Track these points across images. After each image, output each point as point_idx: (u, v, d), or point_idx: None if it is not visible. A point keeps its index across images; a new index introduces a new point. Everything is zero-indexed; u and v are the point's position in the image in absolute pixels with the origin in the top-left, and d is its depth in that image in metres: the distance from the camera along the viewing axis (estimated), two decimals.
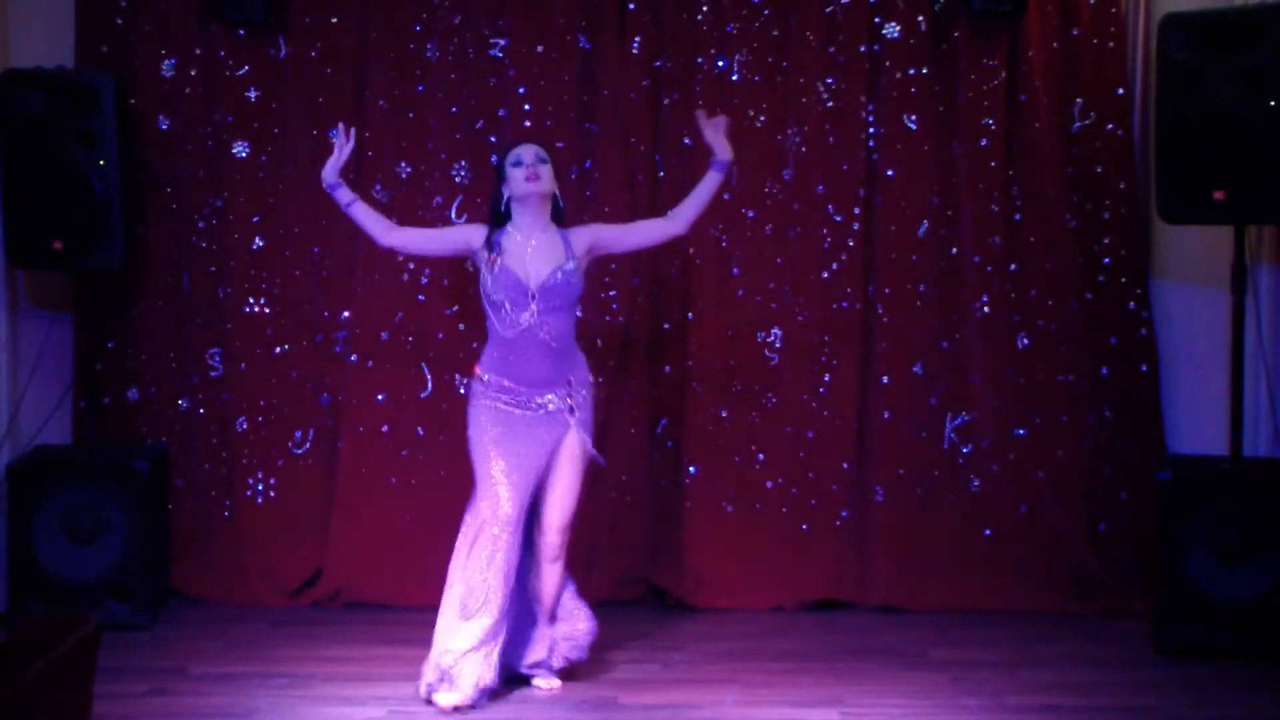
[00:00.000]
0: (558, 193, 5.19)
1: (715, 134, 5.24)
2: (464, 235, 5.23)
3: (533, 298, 5.05)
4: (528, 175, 5.07)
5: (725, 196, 6.27)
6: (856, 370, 6.27)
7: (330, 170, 5.22)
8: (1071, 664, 5.53)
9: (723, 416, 6.29)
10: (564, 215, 5.24)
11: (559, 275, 5.08)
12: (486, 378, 5.12)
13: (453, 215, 6.27)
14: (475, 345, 6.25)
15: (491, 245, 5.09)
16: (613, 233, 5.32)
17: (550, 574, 5.21)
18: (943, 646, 5.73)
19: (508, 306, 5.05)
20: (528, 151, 5.14)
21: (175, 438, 6.38)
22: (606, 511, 6.31)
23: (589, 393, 5.18)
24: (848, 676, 5.39)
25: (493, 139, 6.28)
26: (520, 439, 5.07)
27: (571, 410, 5.11)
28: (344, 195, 5.25)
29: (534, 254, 5.09)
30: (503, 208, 5.16)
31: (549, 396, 5.09)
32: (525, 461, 5.06)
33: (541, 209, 5.13)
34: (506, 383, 5.08)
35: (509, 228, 5.14)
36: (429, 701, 5.05)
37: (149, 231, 6.34)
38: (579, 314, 5.31)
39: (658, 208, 6.26)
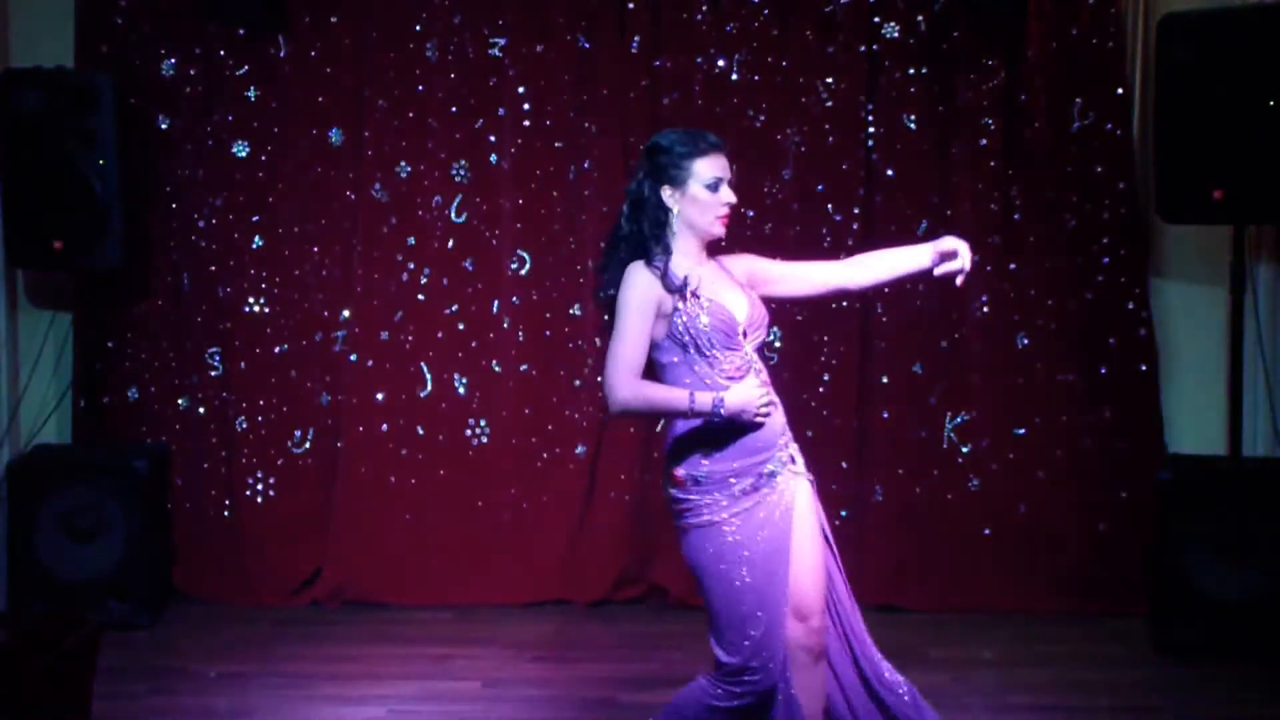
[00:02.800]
0: None
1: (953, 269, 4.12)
2: (652, 298, 3.87)
3: (744, 334, 3.95)
4: (725, 216, 3.97)
5: None
6: (856, 370, 6.27)
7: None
8: (1071, 664, 5.54)
9: None
10: None
11: (757, 300, 4.02)
12: (699, 475, 3.87)
13: (452, 215, 6.27)
14: (474, 345, 6.29)
15: (675, 285, 3.88)
16: (774, 270, 4.16)
17: (811, 680, 4.03)
18: (942, 646, 5.73)
19: (716, 350, 3.89)
20: (728, 170, 3.98)
21: (175, 437, 6.38)
22: (606, 511, 6.32)
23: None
24: None
25: (492, 139, 6.28)
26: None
27: (792, 459, 4.03)
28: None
29: (715, 281, 3.98)
30: (663, 236, 3.94)
31: (778, 456, 3.98)
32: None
33: (703, 246, 4.03)
34: (735, 464, 3.89)
35: (671, 255, 3.94)
36: None
37: (149, 231, 6.34)
38: None
39: None
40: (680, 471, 3.89)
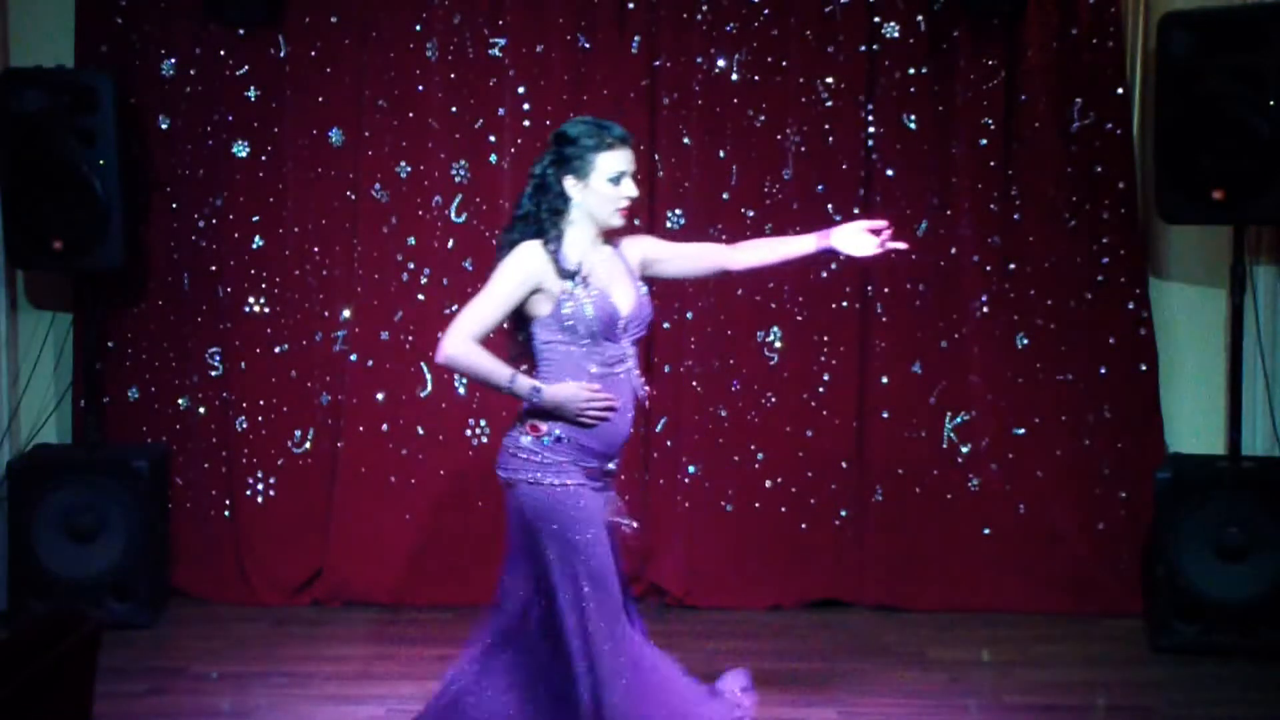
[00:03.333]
0: None
1: (875, 233, 4.27)
2: (534, 277, 3.96)
3: (624, 329, 4.06)
4: (624, 210, 4.03)
5: (724, 196, 6.28)
6: (856, 370, 6.27)
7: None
8: (1070, 663, 5.54)
9: (722, 416, 6.30)
10: None
11: (644, 296, 4.12)
12: (558, 434, 3.95)
13: (452, 215, 6.27)
14: None
15: (566, 270, 3.97)
16: (664, 251, 4.28)
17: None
18: (941, 646, 5.74)
19: (592, 341, 3.99)
20: (632, 164, 4.03)
21: (175, 437, 6.39)
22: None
23: None
24: (846, 676, 5.40)
25: (492, 139, 6.28)
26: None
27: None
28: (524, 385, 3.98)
29: (606, 272, 4.07)
30: (559, 222, 4.01)
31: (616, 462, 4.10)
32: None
33: (598, 233, 4.10)
34: (591, 449, 3.98)
35: (564, 240, 4.02)
36: None
37: (149, 231, 6.34)
38: None
39: (656, 208, 6.29)
40: (543, 425, 3.96)
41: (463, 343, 3.93)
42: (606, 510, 4.04)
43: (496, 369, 3.93)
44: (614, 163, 4.00)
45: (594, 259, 4.03)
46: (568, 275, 3.96)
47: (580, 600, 3.91)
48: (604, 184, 4.00)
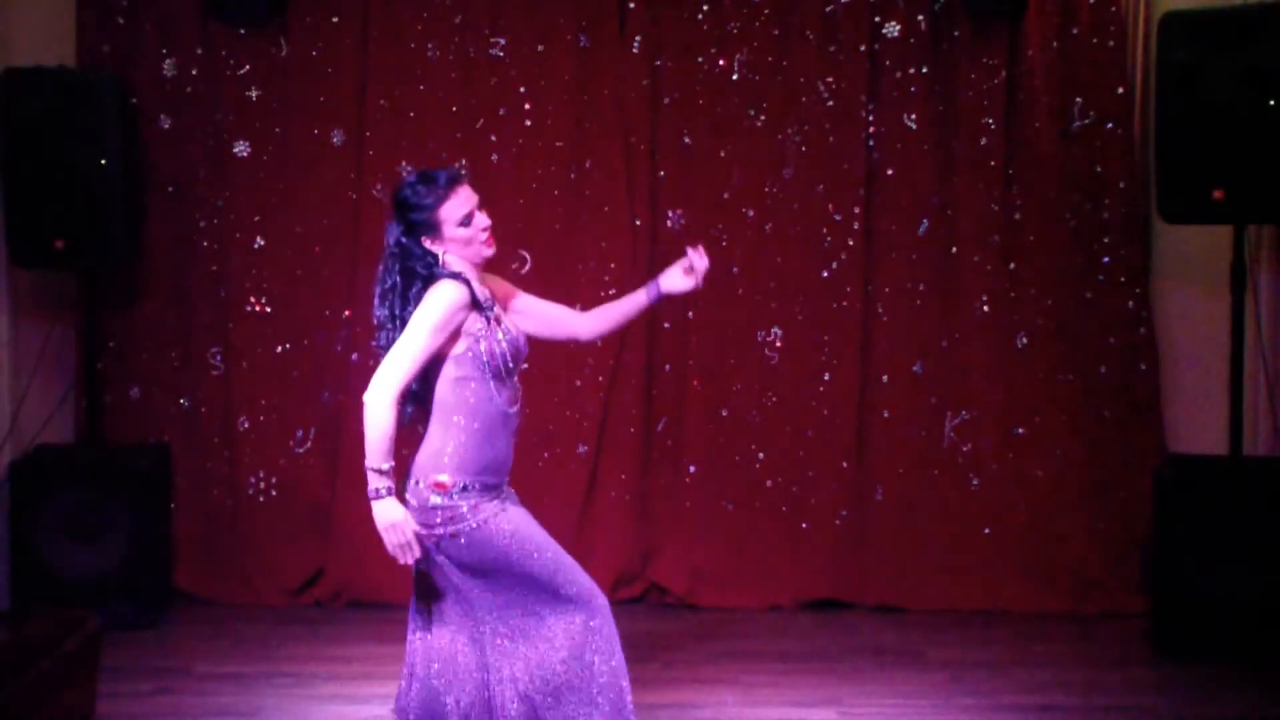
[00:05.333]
0: None
1: (690, 271, 4.30)
2: (459, 316, 3.92)
3: (519, 361, 4.07)
4: (490, 240, 4.02)
5: (725, 196, 6.29)
6: (856, 369, 6.28)
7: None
8: (1069, 663, 5.54)
9: (723, 416, 6.31)
10: None
11: (518, 328, 4.12)
12: (463, 484, 3.95)
13: None
14: None
15: (481, 303, 3.97)
16: (527, 305, 4.24)
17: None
18: (941, 646, 5.74)
19: (505, 372, 3.99)
20: (472, 198, 4.00)
21: (177, 436, 6.39)
22: (606, 510, 6.33)
23: None
24: (846, 676, 5.40)
25: (493, 138, 6.29)
26: None
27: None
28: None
29: (500, 307, 4.13)
30: (437, 271, 3.94)
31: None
32: None
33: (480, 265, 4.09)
34: (491, 479, 4.01)
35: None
36: None
37: (150, 230, 6.35)
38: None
39: (657, 207, 6.29)
40: (446, 480, 3.94)
41: (387, 405, 3.85)
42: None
43: (387, 447, 3.85)
44: (456, 208, 3.96)
45: (489, 294, 4.03)
46: (481, 310, 3.95)
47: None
48: (456, 230, 3.96)
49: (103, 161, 5.92)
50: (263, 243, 6.36)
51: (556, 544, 4.08)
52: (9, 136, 5.91)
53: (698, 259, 4.27)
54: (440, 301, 3.89)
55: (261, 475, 6.38)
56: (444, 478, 3.93)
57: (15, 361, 6.14)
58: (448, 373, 3.94)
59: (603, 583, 6.19)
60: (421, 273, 3.94)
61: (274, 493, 6.38)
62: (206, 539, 6.40)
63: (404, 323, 3.91)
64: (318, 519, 6.36)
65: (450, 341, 3.92)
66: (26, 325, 6.24)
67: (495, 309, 4.01)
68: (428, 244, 3.96)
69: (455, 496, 3.93)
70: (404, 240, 3.97)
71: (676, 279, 4.32)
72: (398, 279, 3.95)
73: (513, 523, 3.99)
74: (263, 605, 6.26)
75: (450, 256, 3.96)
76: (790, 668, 5.49)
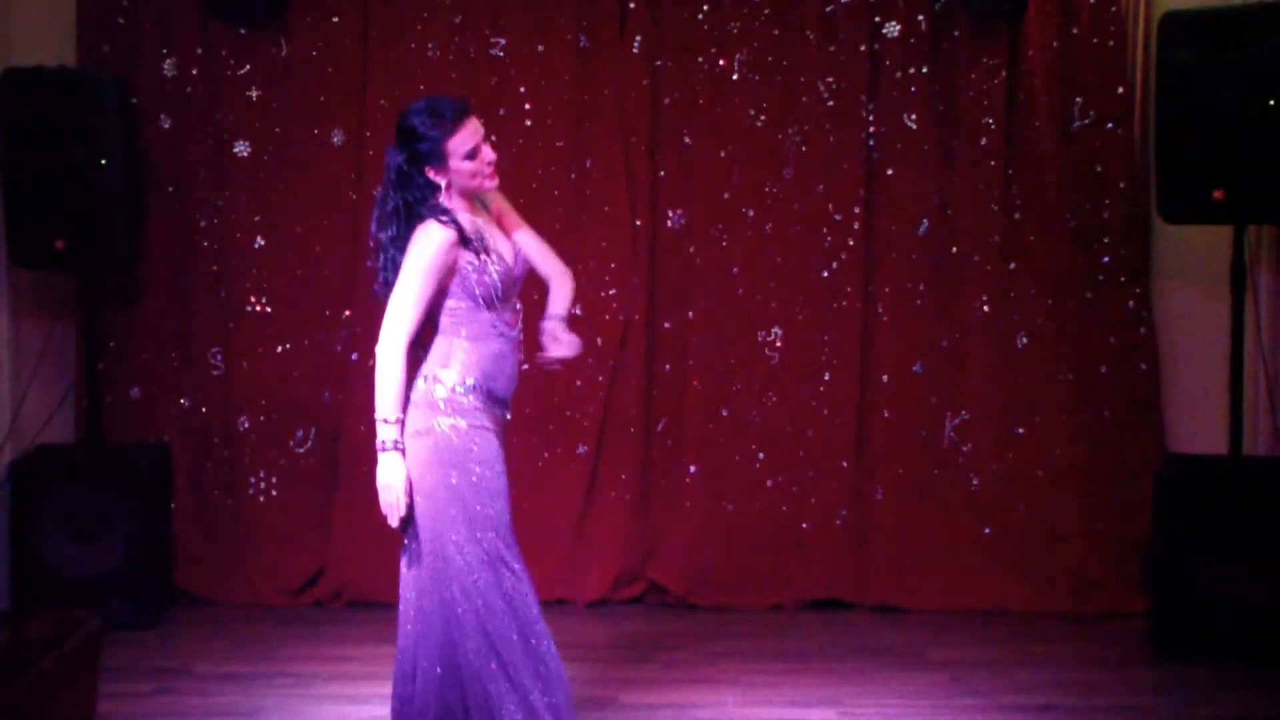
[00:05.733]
0: None
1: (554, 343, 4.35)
2: (449, 259, 4.03)
3: (515, 287, 4.19)
4: (493, 172, 4.12)
5: (725, 196, 6.29)
6: (856, 369, 6.28)
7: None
8: (1069, 664, 5.54)
9: (723, 415, 6.31)
10: None
11: (519, 252, 4.23)
12: (470, 382, 4.07)
13: None
14: None
15: (469, 239, 4.07)
16: (520, 239, 4.28)
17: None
18: (941, 646, 5.74)
19: (497, 300, 4.11)
20: (479, 130, 4.08)
21: (177, 436, 6.39)
22: (606, 510, 6.33)
23: None
24: (846, 676, 5.40)
25: (493, 138, 6.27)
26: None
27: None
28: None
29: (488, 232, 4.17)
30: (427, 208, 4.04)
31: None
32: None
33: (476, 196, 4.19)
34: (497, 390, 4.14)
35: (455, 212, 4.09)
36: None
37: (151, 230, 6.35)
38: None
39: (657, 207, 6.30)
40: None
41: (398, 355, 3.98)
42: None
43: (397, 398, 3.98)
44: (463, 141, 4.04)
45: (479, 224, 4.12)
46: (469, 245, 4.03)
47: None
48: (462, 163, 4.04)
49: (103, 161, 5.92)
50: (263, 243, 6.36)
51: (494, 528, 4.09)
52: (9, 136, 5.91)
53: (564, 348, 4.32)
54: (429, 245, 3.99)
55: (261, 475, 6.38)
56: (451, 373, 4.04)
57: (15, 361, 6.14)
58: (446, 304, 4.07)
59: (603, 583, 6.26)
60: (414, 204, 4.03)
61: (274, 493, 6.39)
62: (206, 539, 6.40)
63: (398, 268, 4.00)
64: (318, 519, 6.36)
65: (448, 278, 4.03)
66: (26, 325, 6.25)
67: (486, 239, 4.09)
68: (430, 174, 4.04)
69: (460, 391, 4.03)
70: (405, 168, 4.04)
71: (554, 340, 4.33)
72: (399, 202, 4.05)
73: (489, 466, 4.06)
74: (263, 605, 6.27)
75: (451, 187, 4.05)
76: (790, 667, 5.50)
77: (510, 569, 4.08)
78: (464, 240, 4.02)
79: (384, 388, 3.96)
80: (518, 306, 4.19)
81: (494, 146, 4.13)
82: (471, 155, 4.05)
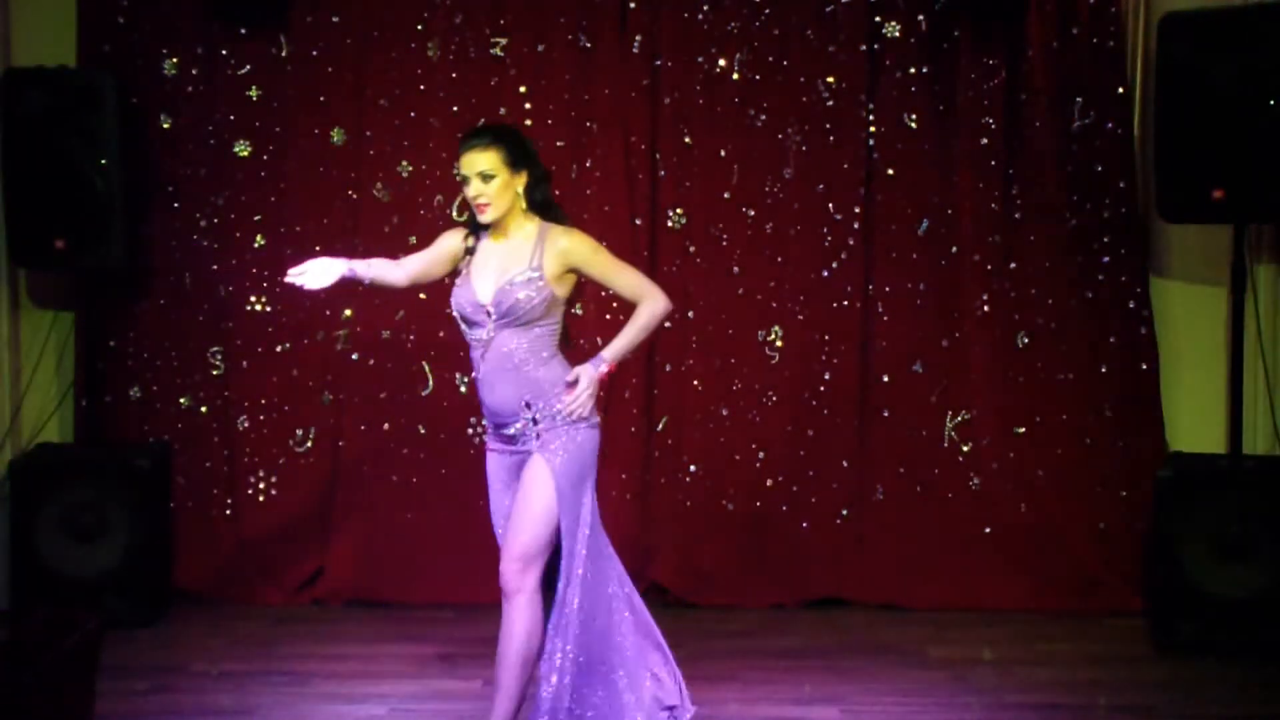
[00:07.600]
0: (542, 190, 4.47)
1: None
2: (448, 241, 4.52)
3: (488, 313, 4.37)
4: (478, 207, 4.38)
5: (725, 195, 6.29)
6: (856, 369, 6.28)
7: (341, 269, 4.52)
8: (1071, 662, 5.54)
9: (723, 415, 6.31)
10: (554, 207, 4.52)
11: (510, 285, 4.35)
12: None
13: (454, 213, 6.28)
14: None
15: (468, 251, 4.48)
16: (597, 271, 4.47)
17: (507, 612, 4.45)
18: (942, 645, 5.75)
19: (465, 324, 4.42)
20: (470, 167, 4.37)
21: (177, 436, 6.39)
22: (607, 510, 6.31)
23: (567, 423, 4.41)
24: (848, 674, 5.40)
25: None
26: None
27: (537, 435, 4.41)
28: (362, 272, 4.50)
29: (495, 261, 4.40)
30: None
31: (515, 426, 4.44)
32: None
33: (499, 222, 4.42)
34: (484, 419, 4.56)
35: (481, 229, 4.47)
36: None
37: (151, 230, 6.35)
38: (555, 326, 4.45)
39: (657, 207, 6.30)
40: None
41: (398, 264, 4.65)
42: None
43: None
44: (462, 169, 4.42)
45: (486, 247, 4.45)
46: (465, 256, 4.47)
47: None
48: (464, 188, 4.44)
49: (103, 161, 5.92)
50: (264, 242, 6.36)
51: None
52: (9, 136, 5.91)
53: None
54: (450, 231, 4.57)
55: (261, 474, 6.37)
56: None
57: (15, 360, 6.15)
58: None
59: None
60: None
61: (274, 492, 6.38)
62: (206, 538, 6.39)
63: None
64: (317, 518, 6.36)
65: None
66: (26, 325, 6.25)
67: (473, 261, 4.43)
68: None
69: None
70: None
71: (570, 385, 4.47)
72: None
73: (490, 486, 4.62)
74: (262, 604, 6.26)
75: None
76: (791, 666, 5.50)
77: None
78: (469, 250, 4.47)
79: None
80: (494, 340, 4.36)
81: (483, 179, 4.36)
82: (465, 184, 4.41)
